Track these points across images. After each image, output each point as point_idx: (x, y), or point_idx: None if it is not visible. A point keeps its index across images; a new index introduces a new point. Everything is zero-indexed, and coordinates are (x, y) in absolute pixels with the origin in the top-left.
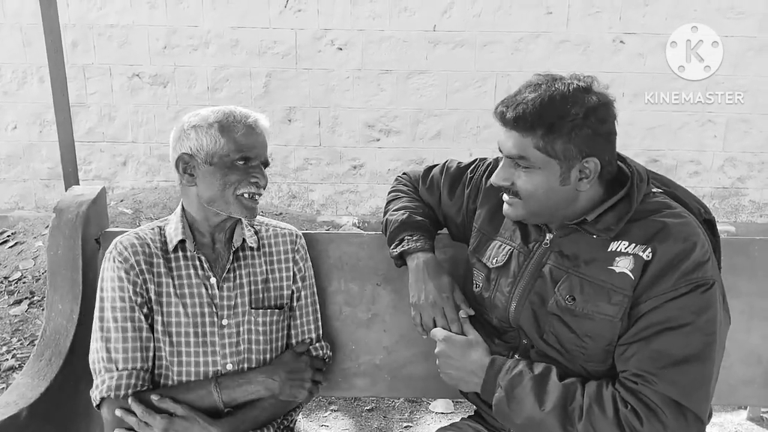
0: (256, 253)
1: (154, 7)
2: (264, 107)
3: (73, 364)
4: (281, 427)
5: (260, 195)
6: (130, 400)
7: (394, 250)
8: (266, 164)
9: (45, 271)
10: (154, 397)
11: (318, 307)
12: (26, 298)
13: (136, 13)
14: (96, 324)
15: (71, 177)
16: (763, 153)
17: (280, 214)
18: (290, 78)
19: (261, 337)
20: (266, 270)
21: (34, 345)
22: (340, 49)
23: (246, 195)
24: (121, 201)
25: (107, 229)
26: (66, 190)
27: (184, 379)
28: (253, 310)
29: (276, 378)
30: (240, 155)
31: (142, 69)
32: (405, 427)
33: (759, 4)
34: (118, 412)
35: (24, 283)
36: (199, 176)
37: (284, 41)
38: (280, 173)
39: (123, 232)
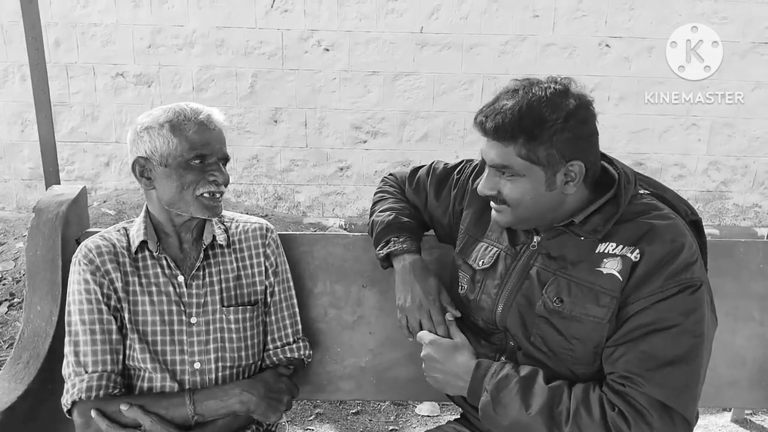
0: (226, 250)
1: (138, 6)
2: (250, 108)
3: (52, 367)
4: (261, 429)
5: (221, 193)
6: (93, 413)
7: (381, 251)
8: (226, 160)
9: (25, 273)
10: (123, 407)
11: (295, 302)
12: (6, 300)
13: (120, 12)
14: (66, 329)
15: (52, 177)
16: (746, 157)
17: (266, 215)
18: (276, 79)
19: (234, 335)
20: (237, 267)
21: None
22: (327, 50)
23: (206, 194)
24: (104, 202)
25: (88, 230)
26: (47, 190)
27: (154, 376)
28: (224, 308)
29: (254, 393)
30: (194, 154)
31: (126, 68)
32: (390, 430)
33: (742, 9)
34: None
35: (3, 284)
36: (156, 179)
37: (270, 42)
38: (266, 174)
39: None
